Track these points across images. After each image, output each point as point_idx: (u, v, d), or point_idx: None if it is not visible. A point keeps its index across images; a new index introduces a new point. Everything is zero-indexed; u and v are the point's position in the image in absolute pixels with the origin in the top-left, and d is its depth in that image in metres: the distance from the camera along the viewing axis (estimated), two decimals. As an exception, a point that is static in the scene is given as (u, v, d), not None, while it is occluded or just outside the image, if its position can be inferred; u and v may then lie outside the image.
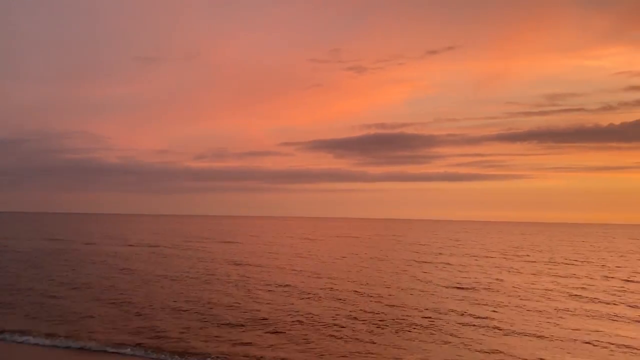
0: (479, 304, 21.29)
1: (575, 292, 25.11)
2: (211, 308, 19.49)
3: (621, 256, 49.11)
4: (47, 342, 15.06)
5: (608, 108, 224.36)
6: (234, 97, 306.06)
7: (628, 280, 29.88)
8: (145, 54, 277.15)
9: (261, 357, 13.59)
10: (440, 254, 46.41)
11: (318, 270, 31.23)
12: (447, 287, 25.39)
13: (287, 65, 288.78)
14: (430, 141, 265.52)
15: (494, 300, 22.12)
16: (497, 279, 28.92)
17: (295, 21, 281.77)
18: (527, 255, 46.66)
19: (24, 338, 15.36)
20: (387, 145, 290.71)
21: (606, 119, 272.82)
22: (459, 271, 32.25)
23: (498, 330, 16.78)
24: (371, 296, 22.71)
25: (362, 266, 34.49)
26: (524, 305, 21.18)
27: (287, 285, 25.18)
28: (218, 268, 31.76)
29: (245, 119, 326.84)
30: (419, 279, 28.13)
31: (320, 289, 24.27)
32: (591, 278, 30.56)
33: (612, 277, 31.16)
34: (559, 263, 39.98)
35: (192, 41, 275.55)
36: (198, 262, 35.27)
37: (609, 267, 37.79)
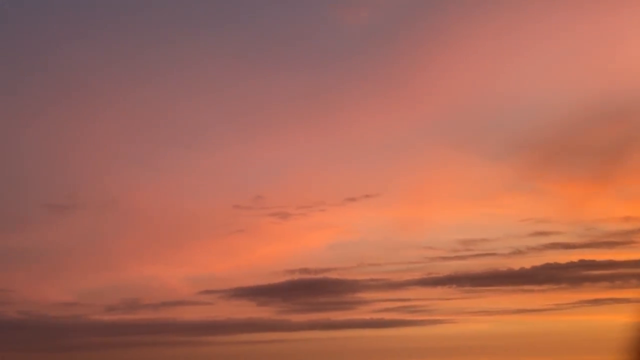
0: None
1: None
2: None
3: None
4: None
5: (518, 252, 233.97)
6: (150, 244, 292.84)
7: None
8: (57, 202, 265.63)
9: None
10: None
11: None
12: None
13: (209, 211, 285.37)
14: (354, 286, 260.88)
15: None
16: None
17: (219, 168, 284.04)
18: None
19: None
20: (310, 291, 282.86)
21: (517, 263, 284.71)
22: None
23: None
24: None
25: None
26: None
27: None
28: None
29: (161, 266, 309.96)
30: None
31: None
32: None
33: None
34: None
35: (110, 188, 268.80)
36: None
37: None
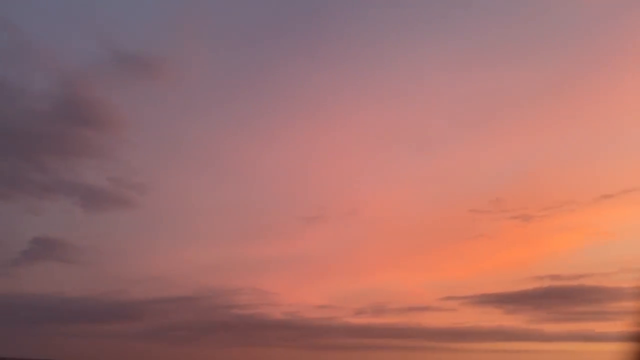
0: None
1: None
2: None
3: None
4: None
5: None
6: (391, 250, 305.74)
7: None
8: (308, 214, 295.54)
9: None
10: None
11: None
12: None
13: (446, 217, 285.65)
14: (617, 294, 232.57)
15: None
16: None
17: (452, 173, 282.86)
18: None
19: None
20: (564, 299, 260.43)
21: None
22: None
23: None
24: None
25: None
26: None
27: None
28: None
29: (404, 272, 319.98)
30: None
31: None
32: None
33: None
34: None
35: (351, 199, 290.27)
36: None
37: None
